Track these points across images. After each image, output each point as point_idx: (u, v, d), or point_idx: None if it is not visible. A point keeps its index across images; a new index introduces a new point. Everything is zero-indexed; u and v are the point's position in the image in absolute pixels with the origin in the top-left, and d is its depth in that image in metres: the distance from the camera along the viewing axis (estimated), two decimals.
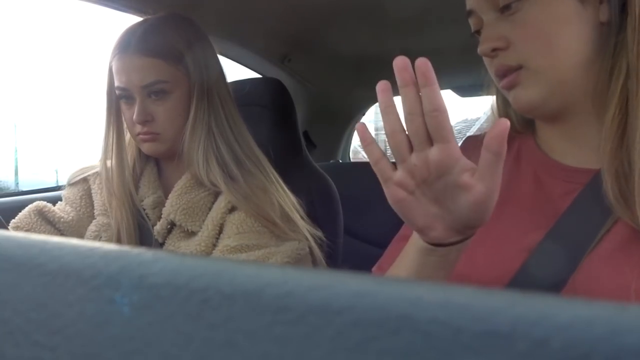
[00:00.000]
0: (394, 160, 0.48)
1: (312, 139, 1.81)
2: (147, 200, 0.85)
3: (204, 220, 0.81)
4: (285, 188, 0.86)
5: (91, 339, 0.18)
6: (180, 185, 0.83)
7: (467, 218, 0.46)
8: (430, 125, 0.43)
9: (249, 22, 1.25)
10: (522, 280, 0.53)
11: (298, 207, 0.85)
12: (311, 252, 0.84)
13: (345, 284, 0.16)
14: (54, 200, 0.91)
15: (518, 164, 0.63)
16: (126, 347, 0.17)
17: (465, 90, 1.93)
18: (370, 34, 1.38)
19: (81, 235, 0.86)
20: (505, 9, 0.56)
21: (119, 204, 0.83)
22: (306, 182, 1.13)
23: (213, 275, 0.18)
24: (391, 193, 0.47)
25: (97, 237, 0.84)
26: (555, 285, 0.51)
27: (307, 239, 0.82)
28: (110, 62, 0.82)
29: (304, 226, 0.83)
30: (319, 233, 0.85)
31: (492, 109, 0.70)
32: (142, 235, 0.84)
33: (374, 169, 0.48)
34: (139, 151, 0.88)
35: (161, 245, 0.83)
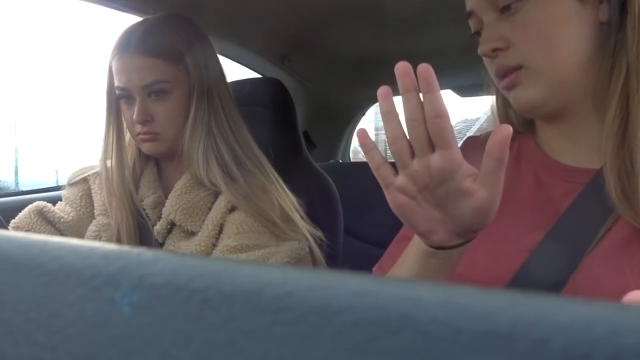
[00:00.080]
0: (393, 160, 0.48)
1: (312, 139, 1.81)
2: (147, 200, 0.85)
3: (204, 220, 0.81)
4: (285, 188, 0.86)
5: (91, 339, 0.18)
6: (180, 185, 0.83)
7: (469, 222, 0.46)
8: (432, 131, 0.43)
9: (249, 22, 1.25)
10: (522, 280, 0.53)
11: (298, 207, 0.85)
12: (311, 252, 0.84)
13: (345, 284, 0.16)
14: (54, 200, 0.91)
15: (518, 164, 0.63)
16: (126, 347, 0.17)
17: (465, 90, 1.93)
18: (370, 34, 1.38)
19: (81, 235, 0.86)
20: (505, 10, 0.56)
21: (119, 204, 0.83)
22: (306, 182, 1.13)
23: (213, 275, 0.18)
24: (393, 198, 0.47)
25: (97, 237, 0.84)
26: (555, 285, 0.51)
27: (307, 239, 0.82)
28: (110, 62, 0.82)
29: (304, 226, 0.83)
30: (319, 233, 0.85)
31: (492, 109, 0.70)
32: (142, 235, 0.84)
33: (375, 174, 0.47)
34: (139, 151, 0.88)
35: (161, 245, 0.83)
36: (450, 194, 0.45)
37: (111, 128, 0.85)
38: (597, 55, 0.55)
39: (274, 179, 0.85)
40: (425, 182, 0.45)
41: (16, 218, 0.86)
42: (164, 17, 0.86)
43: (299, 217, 0.83)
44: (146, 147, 0.83)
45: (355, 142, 2.29)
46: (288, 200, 0.84)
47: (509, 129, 0.41)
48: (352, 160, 2.27)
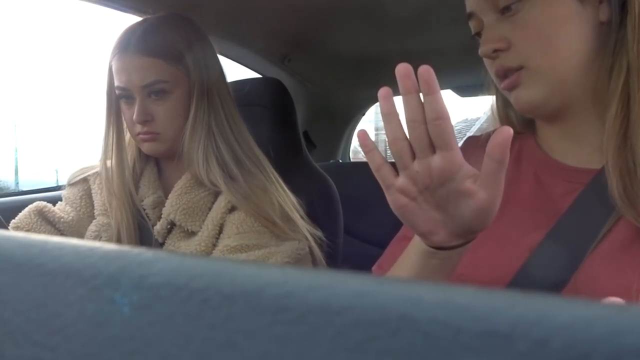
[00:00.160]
0: (393, 161, 0.48)
1: (312, 139, 1.81)
2: (147, 200, 0.85)
3: (204, 220, 0.81)
4: (285, 188, 0.86)
5: (91, 339, 0.18)
6: (180, 185, 0.83)
7: (469, 224, 0.46)
8: (432, 133, 0.43)
9: (249, 22, 1.25)
10: (522, 280, 0.53)
11: (298, 207, 0.85)
12: (311, 252, 0.84)
13: (345, 284, 0.16)
14: (54, 200, 0.91)
15: (519, 164, 0.63)
16: (126, 347, 0.17)
17: (465, 90, 1.93)
18: (370, 34, 1.37)
19: (81, 235, 0.86)
20: (505, 10, 0.56)
21: (119, 204, 0.83)
22: (306, 182, 1.13)
23: (213, 275, 0.18)
24: (393, 199, 0.47)
25: (97, 237, 0.84)
26: (556, 286, 0.51)
27: (307, 238, 0.82)
28: (110, 62, 0.82)
29: (304, 226, 0.83)
30: (319, 233, 0.85)
31: (492, 109, 0.70)
32: (142, 235, 0.84)
33: (376, 175, 0.47)
34: (139, 151, 0.88)
35: (161, 245, 0.83)
36: (451, 195, 0.45)
37: (111, 128, 0.85)
38: (597, 54, 0.55)
39: (274, 179, 0.85)
40: (426, 183, 0.45)
41: (16, 218, 0.86)
42: (164, 17, 0.86)
43: (299, 217, 0.83)
44: (146, 147, 0.83)
45: (355, 142, 2.29)
46: (288, 200, 0.84)
47: (509, 130, 0.41)
48: (352, 160, 2.27)
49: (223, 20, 1.20)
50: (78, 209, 0.88)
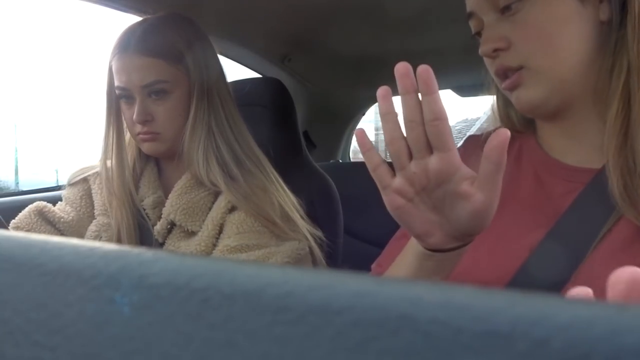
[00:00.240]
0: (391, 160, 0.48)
1: (312, 139, 1.81)
2: (147, 200, 0.85)
3: (204, 220, 0.81)
4: (285, 188, 0.86)
5: (91, 339, 0.18)
6: (180, 185, 0.83)
7: (465, 226, 0.46)
8: (430, 134, 0.43)
9: (249, 22, 1.25)
10: (522, 280, 0.53)
11: (298, 207, 0.85)
12: (311, 252, 0.84)
13: (345, 284, 0.16)
14: (54, 200, 0.91)
15: (519, 163, 0.63)
16: (126, 347, 0.17)
17: (465, 90, 1.93)
18: (370, 34, 1.37)
19: (81, 235, 0.86)
20: (505, 10, 0.56)
21: (119, 204, 0.83)
22: (306, 182, 1.13)
23: (213, 275, 0.18)
24: (390, 200, 0.47)
25: (97, 237, 0.84)
26: (556, 285, 0.51)
27: (307, 238, 0.82)
28: (110, 62, 0.82)
29: (304, 226, 0.83)
30: (319, 233, 0.85)
31: (492, 108, 0.70)
32: (142, 235, 0.84)
33: (373, 175, 0.47)
34: (139, 151, 0.88)
35: (161, 245, 0.83)
36: (448, 197, 0.45)
37: (111, 128, 0.85)
38: (597, 54, 0.55)
39: (274, 179, 0.85)
40: (423, 184, 0.45)
41: (16, 218, 0.86)
42: (164, 17, 0.86)
43: (299, 217, 0.83)
44: (146, 147, 0.83)
45: (355, 142, 2.28)
46: (288, 200, 0.84)
47: (507, 133, 0.41)
48: (352, 160, 2.27)
49: (223, 20, 1.20)
50: (78, 209, 0.88)
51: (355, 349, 0.15)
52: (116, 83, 0.82)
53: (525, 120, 0.66)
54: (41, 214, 0.86)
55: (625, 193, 0.50)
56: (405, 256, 0.52)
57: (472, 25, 0.62)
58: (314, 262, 0.85)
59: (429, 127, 0.42)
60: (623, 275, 0.26)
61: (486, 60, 0.61)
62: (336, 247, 1.08)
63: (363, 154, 0.47)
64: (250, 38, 1.35)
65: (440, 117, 0.42)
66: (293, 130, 1.23)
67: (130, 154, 0.88)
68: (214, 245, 0.79)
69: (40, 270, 0.20)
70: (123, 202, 0.83)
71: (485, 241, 0.54)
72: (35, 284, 0.20)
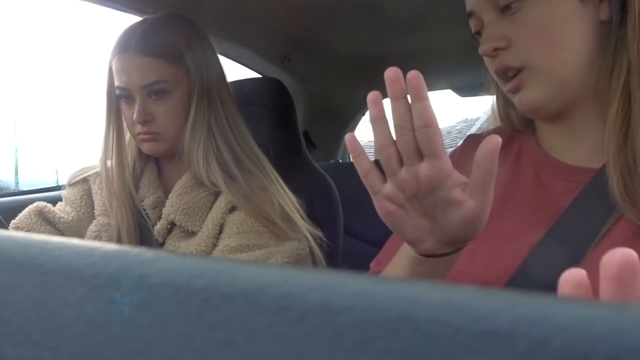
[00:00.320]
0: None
1: (312, 139, 1.81)
2: (147, 200, 0.85)
3: (204, 220, 0.81)
4: (285, 188, 0.86)
5: (91, 339, 0.18)
6: (180, 185, 0.83)
7: (457, 232, 0.45)
8: (420, 141, 0.42)
9: (249, 22, 1.25)
10: (522, 279, 0.53)
11: (298, 206, 0.85)
12: (311, 252, 0.84)
13: (345, 284, 0.16)
14: (54, 200, 0.91)
15: (519, 162, 0.63)
16: (126, 347, 0.17)
17: (465, 90, 1.93)
18: (370, 34, 1.38)
19: (81, 235, 0.86)
20: (505, 9, 0.56)
21: (119, 204, 0.83)
22: (306, 182, 1.13)
23: (213, 275, 0.18)
24: (380, 206, 0.47)
25: (98, 237, 0.84)
26: (555, 285, 0.51)
27: (307, 238, 0.82)
28: (110, 62, 0.82)
29: (304, 226, 0.83)
30: (319, 233, 0.85)
31: (492, 108, 0.70)
32: (142, 235, 0.84)
33: (364, 181, 0.47)
34: (139, 151, 0.88)
35: (161, 245, 0.83)
36: (439, 204, 0.44)
37: (111, 128, 0.85)
38: (598, 53, 0.55)
39: (274, 179, 0.85)
40: (413, 190, 0.44)
41: (16, 218, 0.86)
42: (164, 17, 0.86)
43: (299, 217, 0.83)
44: (146, 147, 0.84)
45: None
46: (288, 200, 0.84)
47: (498, 139, 0.40)
48: (352, 160, 2.26)
49: (223, 20, 1.21)
50: (78, 209, 0.88)
51: (355, 349, 0.15)
52: (116, 83, 0.82)
53: (525, 119, 0.66)
54: (41, 214, 0.86)
55: (626, 192, 0.50)
56: (399, 260, 0.52)
57: (472, 24, 0.62)
58: (314, 262, 0.85)
59: (418, 134, 0.42)
60: (615, 257, 0.26)
61: (486, 60, 0.61)
62: (336, 247, 1.08)
63: (353, 159, 0.46)
64: (250, 38, 1.35)
65: (429, 124, 0.41)
66: (293, 130, 1.23)
67: (130, 154, 0.88)
68: (214, 245, 0.79)
69: (40, 270, 0.20)
70: (123, 202, 0.83)
71: (485, 240, 0.54)
72: (35, 284, 0.20)
